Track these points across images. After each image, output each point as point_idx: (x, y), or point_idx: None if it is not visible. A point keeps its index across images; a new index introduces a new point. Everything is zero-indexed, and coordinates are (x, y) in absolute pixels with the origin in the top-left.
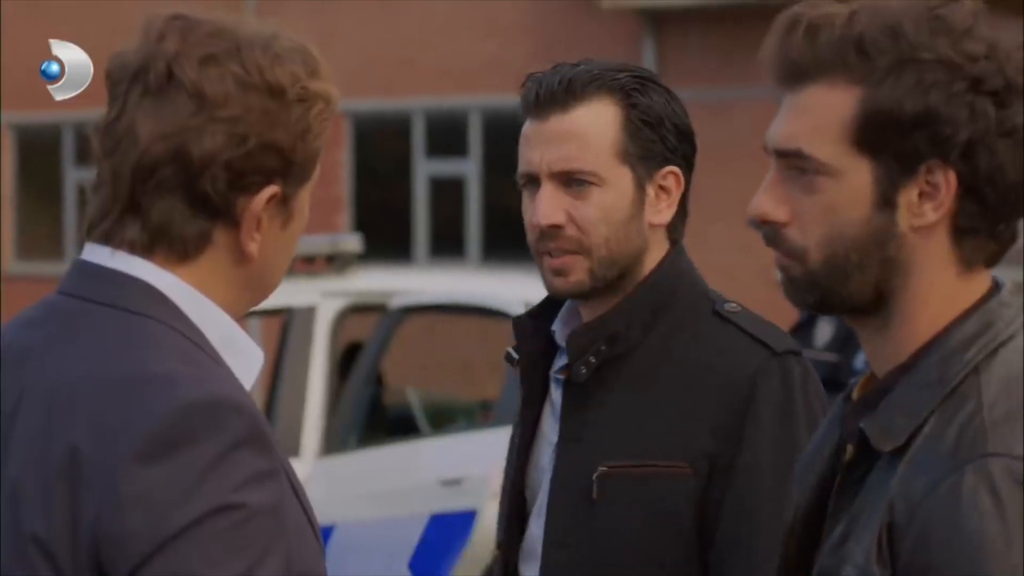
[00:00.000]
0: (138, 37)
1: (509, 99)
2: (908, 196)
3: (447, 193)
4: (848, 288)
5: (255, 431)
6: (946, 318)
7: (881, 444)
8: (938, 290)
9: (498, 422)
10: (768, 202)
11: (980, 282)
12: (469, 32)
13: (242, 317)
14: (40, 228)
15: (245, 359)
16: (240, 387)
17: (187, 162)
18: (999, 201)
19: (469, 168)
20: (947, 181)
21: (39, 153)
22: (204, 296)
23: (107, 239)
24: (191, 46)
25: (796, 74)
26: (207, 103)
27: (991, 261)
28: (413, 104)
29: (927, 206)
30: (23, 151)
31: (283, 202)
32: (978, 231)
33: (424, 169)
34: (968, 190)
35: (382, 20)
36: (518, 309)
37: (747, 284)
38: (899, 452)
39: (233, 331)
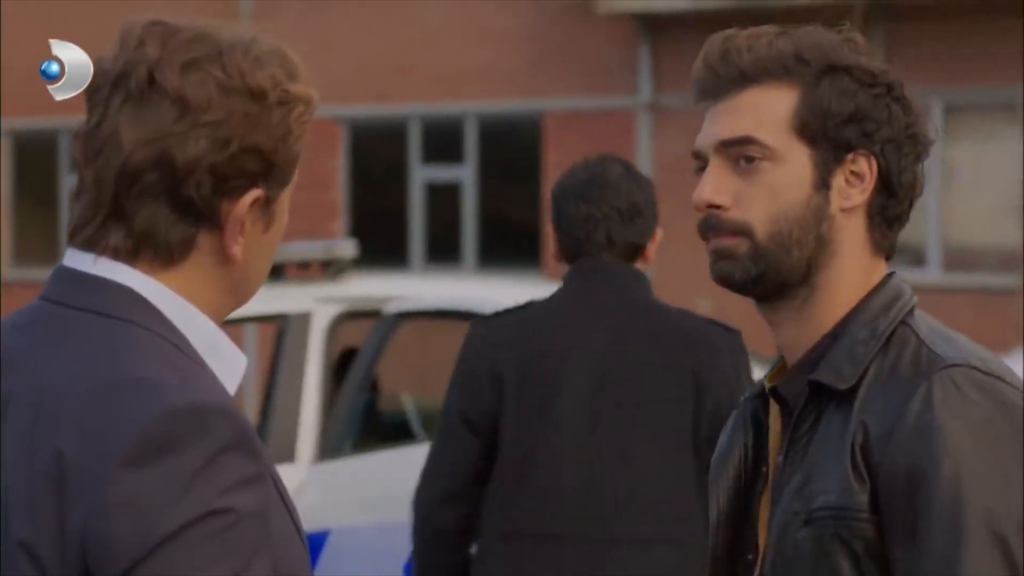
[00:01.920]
0: (116, 44)
1: (505, 105)
2: (838, 180)
3: (443, 199)
4: (789, 262)
5: (242, 436)
6: (861, 293)
7: (838, 383)
8: (856, 268)
9: None
10: (711, 190)
11: (882, 268)
12: (465, 38)
13: (223, 322)
14: (36, 233)
15: (228, 364)
16: (225, 392)
17: (171, 168)
18: (901, 196)
19: (465, 174)
20: (871, 169)
21: (36, 159)
22: (188, 302)
23: (90, 245)
24: (172, 51)
25: (739, 80)
26: (190, 108)
27: (888, 255)
28: (409, 110)
29: (854, 190)
30: (20, 157)
31: (265, 205)
32: (883, 220)
33: (420, 175)
34: (883, 181)
35: (378, 26)
36: None
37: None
38: (848, 397)
39: (216, 336)
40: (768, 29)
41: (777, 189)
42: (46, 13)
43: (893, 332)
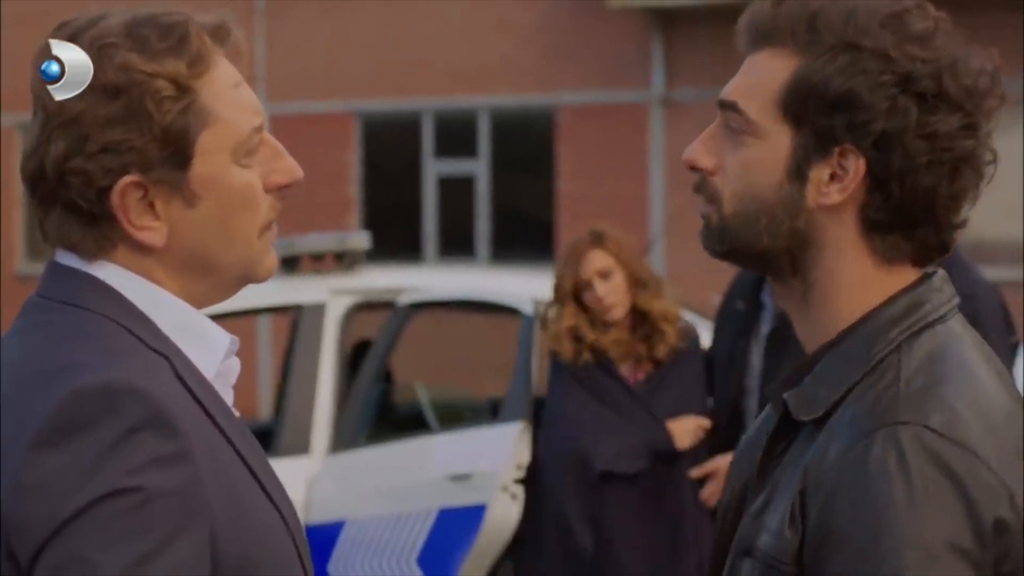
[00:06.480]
0: None
1: (518, 99)
2: (819, 173)
3: (456, 193)
4: (759, 247)
5: (156, 415)
6: (869, 303)
7: (800, 414)
8: (854, 275)
9: (505, 418)
10: (700, 150)
11: (906, 274)
12: (478, 32)
13: (218, 300)
14: None
15: (204, 343)
16: (152, 373)
17: (45, 175)
18: (908, 200)
19: (478, 168)
20: (856, 167)
21: None
22: (153, 284)
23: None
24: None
25: (756, 38)
26: (50, 116)
27: (919, 260)
28: (422, 104)
29: (833, 187)
30: None
31: (173, 186)
32: (888, 228)
33: (433, 169)
34: (878, 183)
35: (392, 21)
36: (527, 306)
37: None
38: (820, 423)
39: (188, 316)
40: None
41: (750, 166)
42: (46, 13)
43: (888, 355)
